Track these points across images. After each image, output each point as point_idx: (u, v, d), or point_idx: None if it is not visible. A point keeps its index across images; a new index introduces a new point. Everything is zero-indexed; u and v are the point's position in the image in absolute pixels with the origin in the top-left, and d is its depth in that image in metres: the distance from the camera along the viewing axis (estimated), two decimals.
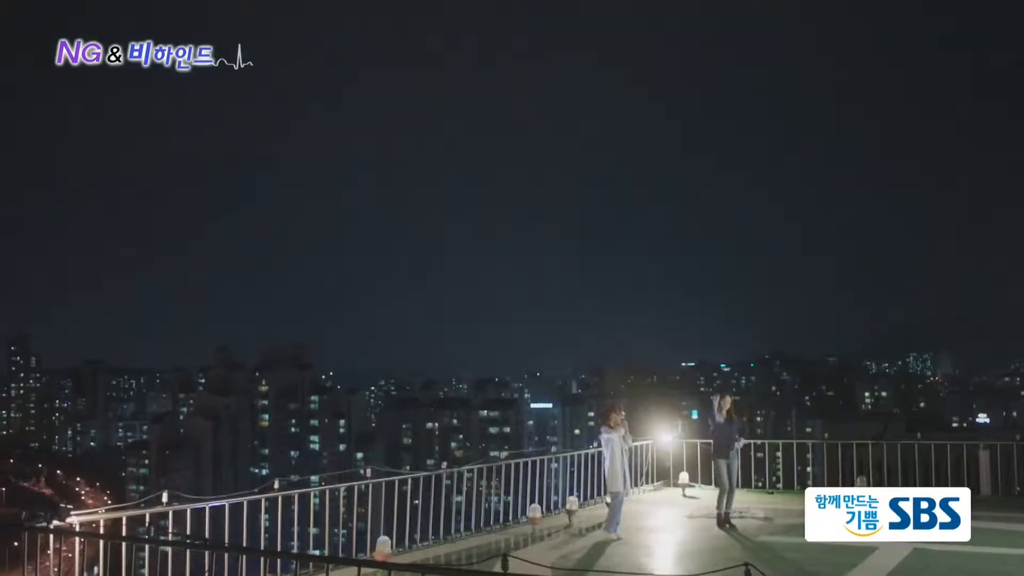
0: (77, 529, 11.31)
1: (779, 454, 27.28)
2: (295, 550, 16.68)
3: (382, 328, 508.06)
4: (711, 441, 20.23)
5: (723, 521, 19.10)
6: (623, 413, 18.94)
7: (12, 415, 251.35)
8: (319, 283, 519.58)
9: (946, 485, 23.45)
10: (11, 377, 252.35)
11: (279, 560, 14.36)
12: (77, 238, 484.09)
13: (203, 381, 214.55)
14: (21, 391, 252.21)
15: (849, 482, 23.98)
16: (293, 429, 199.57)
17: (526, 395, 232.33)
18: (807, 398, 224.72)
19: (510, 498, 20.68)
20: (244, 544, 13.67)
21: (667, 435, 25.24)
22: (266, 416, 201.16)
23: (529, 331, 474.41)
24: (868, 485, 23.67)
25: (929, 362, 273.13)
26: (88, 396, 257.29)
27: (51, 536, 10.99)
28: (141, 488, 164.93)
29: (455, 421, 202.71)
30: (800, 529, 19.32)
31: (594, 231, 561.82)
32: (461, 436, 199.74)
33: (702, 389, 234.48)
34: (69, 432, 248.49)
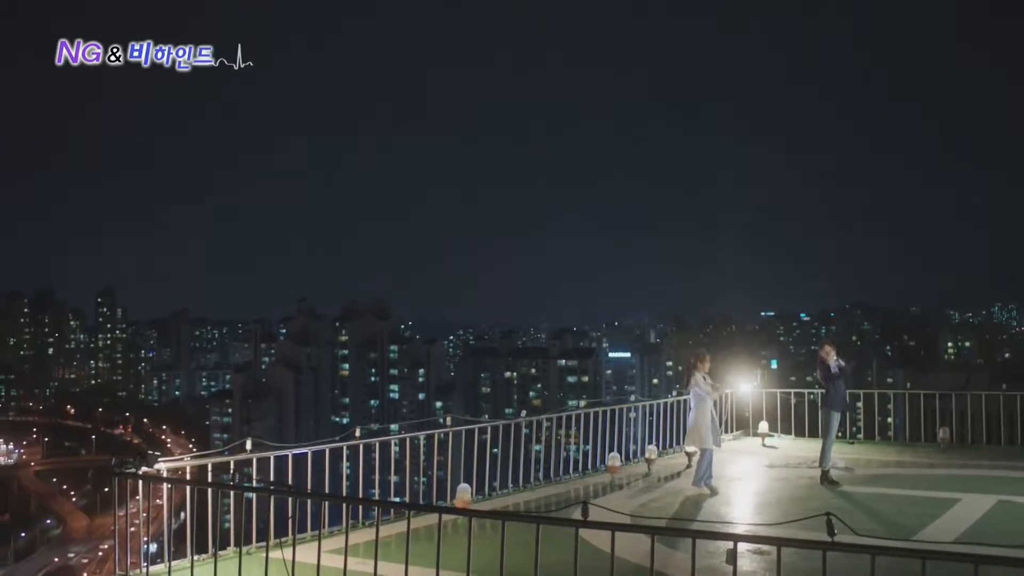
0: (165, 476, 11.52)
1: (860, 404, 27.10)
2: (376, 498, 16.88)
3: (461, 279, 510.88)
4: (826, 392, 19.19)
5: (825, 477, 18.44)
6: (707, 363, 18.65)
7: (100, 365, 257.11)
8: (399, 234, 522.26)
9: None
10: (98, 328, 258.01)
11: (361, 507, 14.54)
12: (160, 194, 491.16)
13: (284, 332, 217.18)
14: (108, 342, 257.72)
15: (931, 434, 23.68)
16: (373, 379, 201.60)
17: (604, 344, 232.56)
18: (888, 348, 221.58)
19: (588, 447, 20.71)
20: (326, 491, 13.87)
21: (746, 384, 25.09)
22: (346, 366, 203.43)
23: (608, 281, 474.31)
24: (951, 437, 23.38)
25: (1015, 312, 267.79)
26: (172, 347, 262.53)
27: (140, 482, 11.22)
28: (225, 436, 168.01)
29: (533, 370, 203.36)
30: (882, 480, 19.23)
31: (672, 181, 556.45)
32: (539, 385, 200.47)
33: (781, 339, 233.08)
34: (155, 382, 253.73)
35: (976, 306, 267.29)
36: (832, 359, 18.78)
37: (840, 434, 24.63)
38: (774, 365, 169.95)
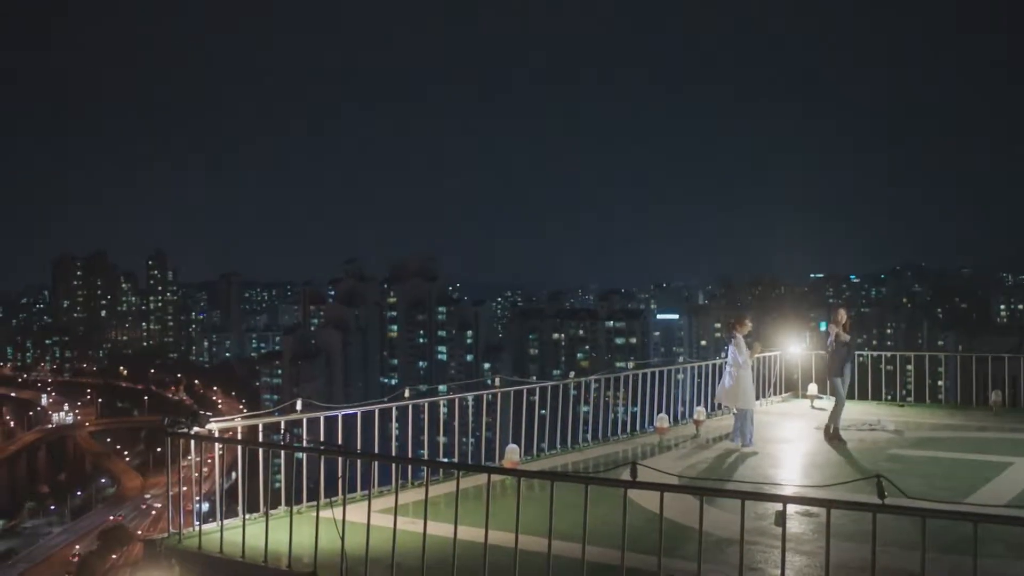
0: (216, 436, 11.63)
1: (910, 367, 26.77)
2: (424, 458, 16.98)
3: (509, 240, 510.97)
4: (829, 358, 19.76)
5: (834, 436, 18.63)
6: (749, 324, 18.72)
7: (151, 327, 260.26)
8: (448, 196, 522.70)
9: None
10: (150, 291, 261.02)
11: (410, 467, 14.61)
12: (210, 157, 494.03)
13: (333, 293, 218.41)
14: (159, 304, 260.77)
15: (983, 397, 23.47)
16: (421, 340, 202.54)
17: (652, 306, 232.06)
18: (939, 310, 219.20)
19: (636, 408, 20.71)
20: (376, 451, 13.95)
21: (795, 346, 24.97)
22: (395, 327, 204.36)
23: (656, 242, 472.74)
24: (1003, 401, 23.15)
25: None
26: (223, 309, 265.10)
27: (192, 442, 11.34)
28: (275, 397, 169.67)
29: (581, 332, 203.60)
30: (932, 442, 19.10)
31: (722, 146, 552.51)
32: (587, 347, 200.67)
33: (831, 300, 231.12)
34: (205, 343, 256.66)
35: None
36: (835, 330, 19.08)
37: (891, 396, 24.57)
38: (823, 327, 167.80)
